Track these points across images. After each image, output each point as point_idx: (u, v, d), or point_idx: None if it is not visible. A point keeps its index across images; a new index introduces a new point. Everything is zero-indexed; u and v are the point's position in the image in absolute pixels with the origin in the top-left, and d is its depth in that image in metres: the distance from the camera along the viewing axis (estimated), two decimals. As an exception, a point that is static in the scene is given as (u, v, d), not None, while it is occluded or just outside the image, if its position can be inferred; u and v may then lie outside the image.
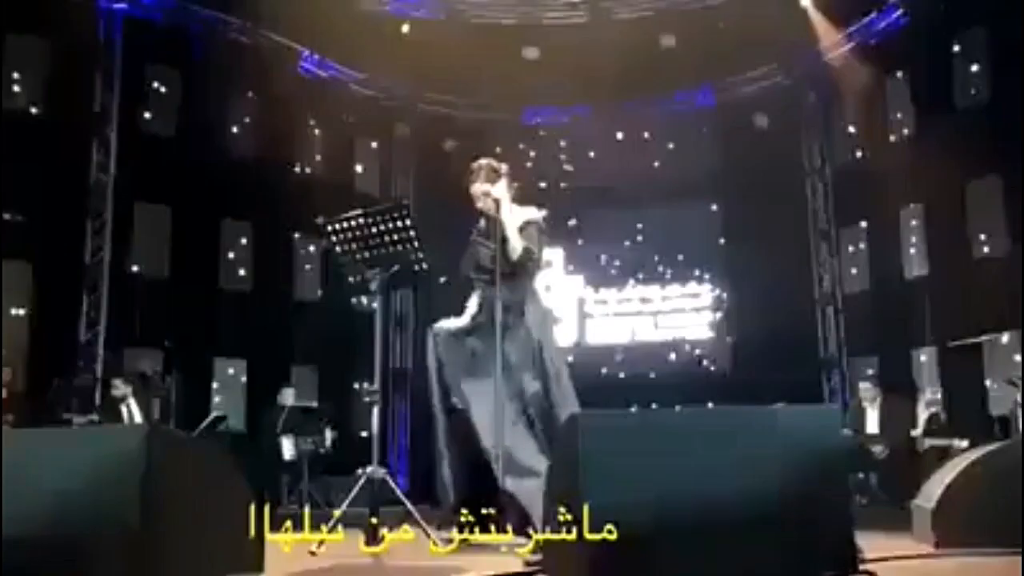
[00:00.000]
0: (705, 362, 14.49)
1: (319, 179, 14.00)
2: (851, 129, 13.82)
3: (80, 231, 11.62)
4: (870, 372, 11.50)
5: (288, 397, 11.23)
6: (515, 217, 4.88)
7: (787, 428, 2.65)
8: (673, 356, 14.65)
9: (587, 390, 5.03)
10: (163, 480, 2.62)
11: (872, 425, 9.94)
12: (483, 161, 5.06)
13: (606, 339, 14.98)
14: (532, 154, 14.73)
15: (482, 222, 5.05)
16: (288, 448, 10.67)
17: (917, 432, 9.89)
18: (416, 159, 15.15)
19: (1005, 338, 10.43)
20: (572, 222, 14.72)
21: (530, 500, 4.31)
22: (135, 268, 12.12)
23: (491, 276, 4.64)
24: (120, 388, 9.88)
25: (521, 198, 5.02)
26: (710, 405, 10.67)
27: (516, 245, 4.79)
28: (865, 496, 9.24)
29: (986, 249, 11.38)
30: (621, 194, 14.71)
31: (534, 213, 4.98)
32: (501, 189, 4.89)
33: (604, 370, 14.59)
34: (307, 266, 13.81)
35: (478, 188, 4.97)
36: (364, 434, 12.24)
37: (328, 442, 10.94)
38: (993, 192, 11.28)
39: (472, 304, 5.01)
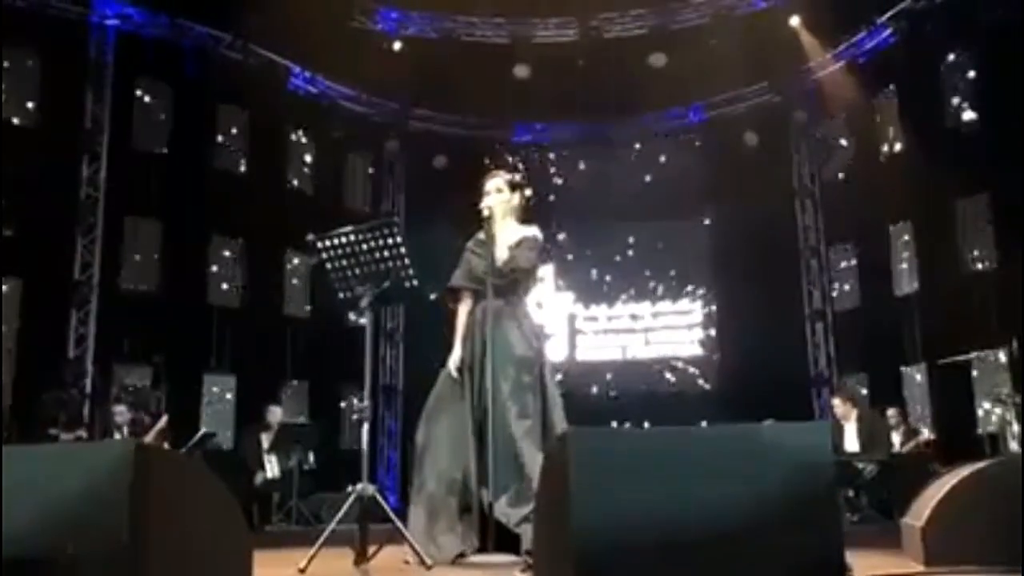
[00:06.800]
0: (699, 381, 14.49)
1: (309, 195, 14.04)
2: (841, 146, 13.90)
3: (70, 246, 11.59)
4: (855, 389, 11.51)
5: (275, 415, 11.12)
6: (510, 232, 4.86)
7: (776, 445, 2.65)
8: (663, 373, 14.64)
9: (578, 407, 4.99)
10: (151, 497, 2.60)
11: (851, 442, 9.89)
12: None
13: (597, 356, 14.99)
14: (522, 171, 14.75)
15: (480, 234, 5.06)
16: (271, 466, 10.61)
17: (896, 449, 9.92)
18: (406, 175, 15.19)
19: (994, 355, 10.44)
20: (562, 236, 14.78)
21: (525, 519, 4.27)
22: (125, 283, 12.09)
23: (483, 286, 4.62)
24: (124, 415, 9.60)
25: (525, 214, 5.01)
26: (700, 422, 10.66)
27: (503, 256, 4.77)
28: (856, 513, 9.22)
29: (975, 266, 11.42)
30: (611, 211, 14.75)
31: (533, 231, 4.97)
32: (495, 200, 4.88)
33: (595, 388, 14.58)
34: (297, 282, 13.79)
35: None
36: (354, 449, 12.19)
37: (311, 459, 10.89)
38: (982, 209, 11.34)
39: (460, 326, 4.93)
